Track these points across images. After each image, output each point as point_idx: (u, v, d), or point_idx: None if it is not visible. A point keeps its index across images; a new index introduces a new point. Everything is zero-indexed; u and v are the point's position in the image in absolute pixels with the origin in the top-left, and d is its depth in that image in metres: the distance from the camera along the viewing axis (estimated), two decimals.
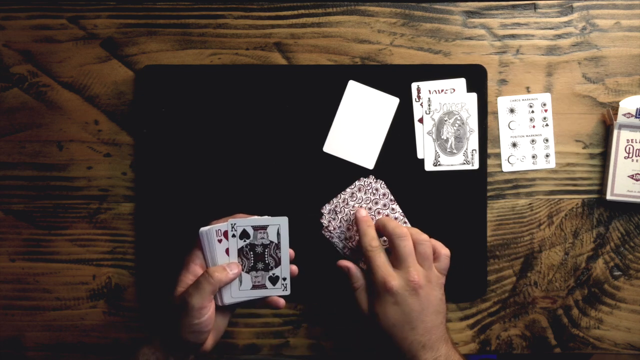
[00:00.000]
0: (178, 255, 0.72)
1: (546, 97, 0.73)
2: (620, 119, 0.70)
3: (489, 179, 0.73)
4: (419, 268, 0.62)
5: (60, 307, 0.74)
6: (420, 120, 0.73)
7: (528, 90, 0.74)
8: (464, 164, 0.72)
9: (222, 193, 0.72)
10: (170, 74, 0.72)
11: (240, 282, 0.62)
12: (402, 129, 0.73)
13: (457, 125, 0.73)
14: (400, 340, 0.61)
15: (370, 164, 0.72)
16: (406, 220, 0.72)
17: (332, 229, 0.72)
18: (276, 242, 0.63)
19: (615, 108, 0.71)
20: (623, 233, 0.73)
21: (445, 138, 0.72)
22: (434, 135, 0.73)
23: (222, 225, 0.62)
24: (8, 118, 0.74)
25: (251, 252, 0.62)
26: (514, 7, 0.74)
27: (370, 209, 0.72)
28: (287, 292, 0.63)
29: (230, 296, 0.61)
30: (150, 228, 0.72)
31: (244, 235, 0.62)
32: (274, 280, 0.63)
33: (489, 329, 0.74)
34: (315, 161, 0.72)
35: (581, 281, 0.74)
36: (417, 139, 0.73)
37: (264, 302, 0.63)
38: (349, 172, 0.72)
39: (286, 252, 0.63)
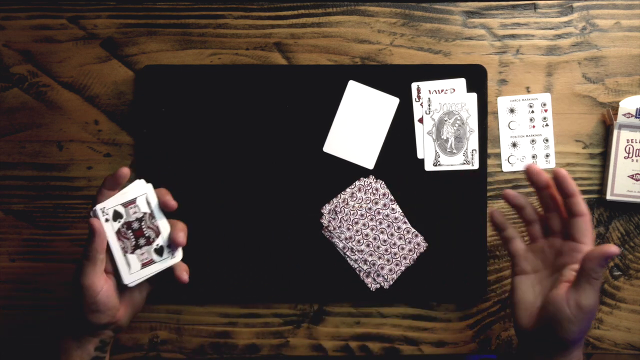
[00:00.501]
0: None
1: (546, 97, 0.73)
2: (620, 119, 0.70)
3: (489, 179, 0.73)
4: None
5: (60, 307, 0.74)
6: (420, 120, 0.73)
7: (528, 90, 0.74)
8: (464, 164, 0.72)
9: (222, 193, 0.72)
10: (170, 74, 0.72)
11: (129, 265, 0.59)
12: (402, 129, 0.73)
13: (457, 125, 0.73)
14: (584, 330, 0.55)
15: (370, 164, 0.72)
16: (406, 221, 0.72)
17: (332, 229, 0.72)
18: (149, 211, 0.59)
19: (615, 108, 0.71)
20: (623, 233, 0.73)
21: (445, 138, 0.73)
22: (434, 135, 0.73)
23: (105, 202, 0.59)
24: (8, 118, 0.74)
25: (129, 231, 0.59)
26: (514, 7, 0.74)
27: (370, 209, 0.72)
28: (177, 259, 0.60)
29: (127, 279, 0.59)
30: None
31: (117, 216, 0.58)
32: (159, 251, 0.60)
33: (489, 329, 0.74)
34: (315, 161, 0.72)
35: None
36: (417, 139, 0.73)
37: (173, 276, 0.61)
38: (349, 172, 0.72)
39: (162, 217, 0.60)
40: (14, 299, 0.74)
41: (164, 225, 0.60)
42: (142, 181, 0.59)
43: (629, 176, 0.71)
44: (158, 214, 0.60)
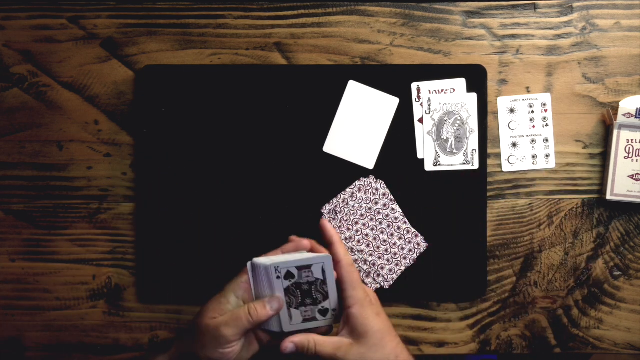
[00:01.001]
0: (178, 255, 0.73)
1: (546, 97, 0.73)
2: (620, 119, 0.70)
3: (489, 179, 0.73)
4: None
5: (60, 307, 0.74)
6: (420, 120, 0.73)
7: (528, 90, 0.74)
8: (464, 164, 0.72)
9: (222, 193, 0.72)
10: (170, 74, 0.72)
11: (290, 317, 0.62)
12: (402, 129, 0.73)
13: (457, 125, 0.73)
14: (389, 349, 0.60)
15: (370, 164, 0.72)
16: (406, 221, 0.72)
17: None
18: (322, 278, 0.62)
19: (615, 108, 0.71)
20: (623, 233, 0.73)
21: (445, 138, 0.72)
22: (434, 135, 0.73)
23: (280, 261, 0.61)
24: (8, 118, 0.74)
25: (298, 290, 0.62)
26: (514, 7, 0.74)
27: (370, 209, 0.72)
28: (338, 321, 0.63)
29: (286, 327, 0.62)
30: (150, 228, 0.72)
31: (289, 276, 0.61)
32: (323, 312, 0.63)
33: (489, 329, 0.74)
34: (315, 161, 0.72)
35: (581, 281, 0.74)
36: (417, 139, 0.73)
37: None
38: (349, 172, 0.72)
39: (333, 286, 0.62)
40: (14, 299, 0.74)
41: (333, 293, 0.63)
42: (329, 256, 0.62)
43: (629, 176, 0.71)
44: (331, 283, 0.62)
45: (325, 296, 0.62)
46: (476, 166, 0.72)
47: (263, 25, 0.74)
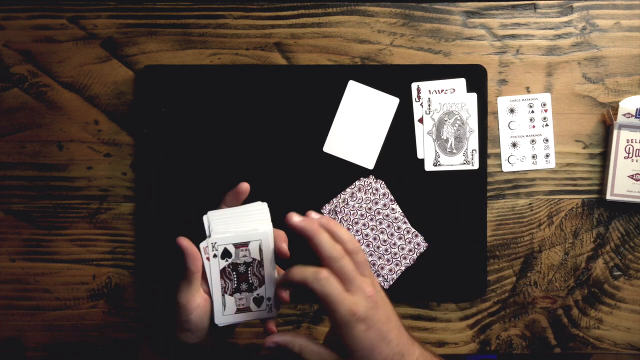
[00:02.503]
0: (178, 255, 0.72)
1: (546, 97, 0.73)
2: (620, 119, 0.70)
3: (489, 179, 0.73)
4: (365, 279, 0.53)
5: (60, 307, 0.74)
6: (420, 120, 0.73)
7: (528, 90, 0.74)
8: (464, 164, 0.72)
9: (222, 193, 0.72)
10: (170, 74, 0.72)
11: (224, 305, 0.57)
12: (402, 129, 0.73)
13: (457, 125, 0.73)
14: None
15: (370, 164, 0.72)
16: (406, 221, 0.72)
17: None
18: (259, 259, 0.57)
19: (615, 108, 0.71)
20: (623, 233, 0.73)
21: (445, 138, 0.73)
22: (434, 135, 0.73)
23: (219, 236, 0.58)
24: (8, 118, 0.74)
25: (234, 272, 0.57)
26: (514, 7, 0.74)
27: (370, 209, 0.72)
28: (273, 314, 0.58)
29: (219, 319, 0.57)
30: (150, 228, 0.72)
31: (226, 254, 0.57)
32: (258, 301, 0.57)
33: (489, 329, 0.74)
34: (315, 161, 0.72)
35: (581, 281, 0.74)
36: (417, 139, 0.73)
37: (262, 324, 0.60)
38: (349, 172, 0.72)
39: (270, 269, 0.57)
40: (14, 299, 0.74)
41: (269, 277, 0.58)
42: (267, 232, 0.57)
43: (629, 176, 0.71)
44: (268, 265, 0.57)
45: (262, 281, 0.57)
46: (476, 166, 0.72)
47: (263, 25, 0.74)
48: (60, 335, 0.74)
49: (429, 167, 0.72)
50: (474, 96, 0.72)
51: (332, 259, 0.52)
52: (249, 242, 0.57)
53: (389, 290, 0.72)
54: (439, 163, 0.72)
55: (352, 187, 0.72)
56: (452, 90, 0.72)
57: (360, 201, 0.72)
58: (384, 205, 0.72)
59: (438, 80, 0.72)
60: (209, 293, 0.58)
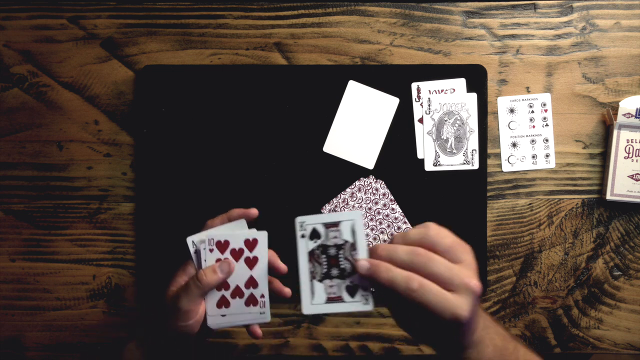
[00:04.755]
0: (178, 255, 0.72)
1: (546, 97, 0.73)
2: (620, 119, 0.70)
3: (489, 179, 0.73)
4: (464, 271, 0.48)
5: (60, 307, 0.74)
6: (420, 120, 0.73)
7: (528, 90, 0.74)
8: (464, 164, 0.72)
9: (222, 193, 0.72)
10: (170, 74, 0.72)
11: (313, 293, 0.51)
12: (402, 129, 0.73)
13: (457, 125, 0.73)
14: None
15: (370, 164, 0.72)
16: (406, 221, 0.72)
17: None
18: (351, 241, 0.51)
19: (615, 108, 0.71)
20: (623, 233, 0.73)
21: (445, 138, 0.72)
22: (434, 135, 0.73)
23: (214, 232, 0.58)
24: (8, 118, 0.74)
25: (324, 256, 0.51)
26: (514, 7, 0.74)
27: (370, 209, 0.72)
28: (370, 307, 0.51)
29: (307, 309, 0.52)
30: (150, 228, 0.72)
31: (315, 235, 0.52)
32: (351, 290, 0.51)
33: None
34: (315, 161, 0.72)
35: (581, 281, 0.74)
36: (417, 139, 0.73)
37: (248, 329, 0.59)
38: (349, 172, 0.72)
39: (364, 254, 0.51)
40: (14, 299, 0.74)
41: (264, 283, 0.56)
42: (360, 212, 0.53)
43: (629, 176, 0.71)
44: (361, 248, 0.51)
45: (355, 264, 0.50)
46: (476, 166, 0.72)
47: (263, 25, 0.74)
48: (60, 335, 0.74)
49: (429, 167, 0.72)
50: (474, 96, 0.72)
51: (421, 265, 0.48)
52: (340, 221, 0.51)
53: None
54: (439, 163, 0.72)
55: (352, 187, 0.72)
56: (452, 90, 0.72)
57: (360, 201, 0.72)
58: (384, 205, 0.72)
59: (438, 80, 0.72)
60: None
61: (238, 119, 0.72)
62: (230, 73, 0.72)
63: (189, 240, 0.59)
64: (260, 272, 0.58)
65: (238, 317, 0.58)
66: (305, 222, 0.52)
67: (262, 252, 0.58)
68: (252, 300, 0.58)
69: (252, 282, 0.59)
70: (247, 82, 0.72)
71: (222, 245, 0.58)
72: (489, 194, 0.73)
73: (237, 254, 0.58)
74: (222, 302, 0.58)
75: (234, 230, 0.60)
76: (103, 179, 0.74)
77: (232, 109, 0.72)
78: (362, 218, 0.52)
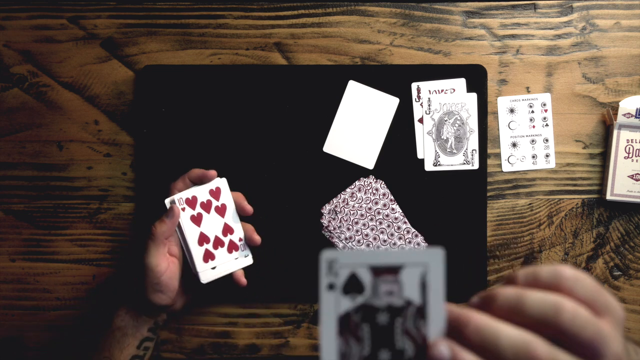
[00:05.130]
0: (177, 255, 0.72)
1: (546, 97, 0.73)
2: (620, 119, 0.70)
3: (489, 179, 0.73)
4: (599, 288, 0.33)
5: (60, 307, 0.74)
6: (420, 120, 0.73)
7: (528, 90, 0.74)
8: (464, 164, 0.72)
9: None
10: (170, 74, 0.72)
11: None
12: (402, 129, 0.73)
13: (457, 125, 0.73)
14: None
15: (370, 164, 0.72)
16: (406, 221, 0.72)
17: (332, 229, 0.72)
18: (419, 302, 0.32)
19: (615, 108, 0.71)
20: (623, 233, 0.73)
21: (445, 138, 0.72)
22: (434, 135, 0.73)
23: (186, 192, 0.64)
24: (8, 118, 0.74)
25: (367, 325, 0.32)
26: (514, 7, 0.74)
27: (370, 209, 0.72)
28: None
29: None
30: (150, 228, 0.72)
31: (353, 286, 0.32)
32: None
33: None
34: (315, 161, 0.72)
35: None
36: (417, 139, 0.73)
37: None
38: (349, 172, 0.72)
39: (440, 324, 0.31)
40: (14, 299, 0.74)
41: (237, 226, 0.61)
42: (440, 252, 0.32)
43: (629, 176, 0.71)
44: (437, 316, 0.32)
45: (421, 347, 0.31)
46: (476, 166, 0.72)
47: (263, 25, 0.74)
48: (60, 335, 0.74)
49: (429, 167, 0.72)
50: (474, 96, 0.72)
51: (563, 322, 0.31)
52: (403, 265, 0.32)
53: None
54: (439, 163, 0.72)
55: (352, 187, 0.72)
56: (452, 90, 0.72)
57: (360, 201, 0.72)
58: (384, 205, 0.72)
59: (438, 80, 0.72)
60: (175, 255, 0.63)
61: (238, 119, 0.72)
62: (230, 73, 0.72)
63: (167, 201, 0.64)
64: (230, 216, 0.63)
65: (225, 265, 0.63)
66: (339, 261, 0.31)
67: (227, 197, 0.63)
68: (233, 246, 0.63)
69: (227, 229, 0.64)
70: (247, 82, 0.72)
71: (191, 202, 0.63)
72: (489, 194, 0.73)
73: (206, 206, 0.63)
74: (208, 256, 0.63)
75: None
76: (103, 179, 0.74)
77: (232, 109, 0.72)
78: (443, 261, 0.32)
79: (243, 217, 0.68)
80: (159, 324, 0.67)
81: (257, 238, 0.67)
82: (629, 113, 0.70)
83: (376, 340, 0.32)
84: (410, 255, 0.32)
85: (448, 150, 0.72)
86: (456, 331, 0.31)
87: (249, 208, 0.66)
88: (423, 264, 0.32)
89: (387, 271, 0.32)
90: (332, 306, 0.31)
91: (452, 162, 0.72)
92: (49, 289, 0.74)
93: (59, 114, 0.74)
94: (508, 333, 0.30)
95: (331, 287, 0.32)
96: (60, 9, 0.74)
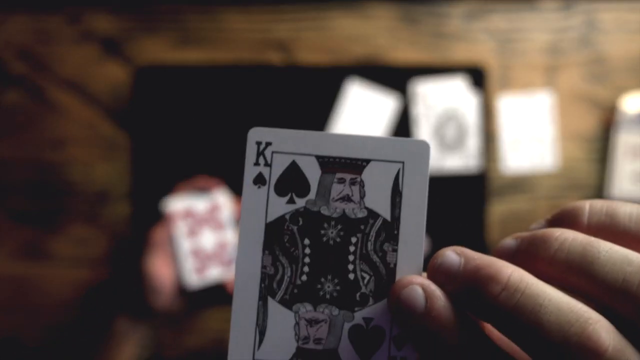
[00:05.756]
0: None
1: (546, 97, 0.73)
2: (622, 119, 0.70)
3: (490, 180, 0.73)
4: None
5: (60, 307, 0.74)
6: (420, 121, 0.73)
7: (528, 90, 0.73)
8: (464, 164, 0.72)
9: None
10: (170, 74, 0.72)
11: (260, 329, 0.23)
12: (401, 129, 0.72)
13: (457, 125, 0.72)
14: None
15: None
16: None
17: None
18: (389, 216, 0.23)
19: (615, 108, 0.71)
20: None
21: (445, 138, 0.72)
22: (433, 136, 0.72)
23: (185, 201, 0.65)
24: (8, 118, 0.74)
25: (308, 241, 0.23)
26: (514, 7, 0.74)
27: None
28: None
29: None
30: (150, 228, 0.72)
31: (295, 184, 0.23)
32: (368, 339, 0.22)
33: None
34: None
35: None
36: None
37: None
38: None
39: (417, 257, 0.23)
40: (13, 299, 0.74)
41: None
42: (425, 143, 0.23)
43: (630, 176, 0.71)
44: (414, 240, 0.22)
45: (384, 278, 0.23)
46: (476, 167, 0.72)
47: (263, 25, 0.74)
48: (59, 336, 0.74)
49: None
50: (474, 96, 0.72)
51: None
52: (369, 161, 0.23)
53: None
54: (439, 164, 0.72)
55: None
56: (452, 91, 0.72)
57: None
58: None
59: (438, 80, 0.72)
60: (172, 259, 0.65)
61: (238, 119, 0.72)
62: (230, 73, 0.72)
63: (165, 206, 0.67)
64: (229, 229, 0.66)
65: (220, 274, 0.66)
66: (274, 144, 0.23)
67: (227, 209, 0.67)
68: (227, 258, 0.66)
69: (223, 243, 0.67)
70: (247, 82, 0.72)
71: (189, 212, 0.66)
72: (489, 195, 0.73)
73: (204, 219, 0.66)
74: (200, 267, 0.66)
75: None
76: (103, 179, 0.74)
77: (232, 109, 0.72)
78: (427, 158, 0.23)
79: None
80: (158, 327, 0.67)
81: None
82: (630, 113, 0.70)
83: (318, 263, 0.22)
84: (381, 146, 0.22)
85: (448, 150, 0.72)
86: (459, 281, 0.21)
87: None
88: (398, 159, 0.22)
89: (344, 166, 0.22)
90: (259, 208, 0.22)
91: (452, 163, 0.72)
92: (48, 290, 0.74)
93: (59, 114, 0.74)
94: (558, 300, 0.20)
95: (260, 181, 0.23)
96: (60, 9, 0.74)
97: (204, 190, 0.66)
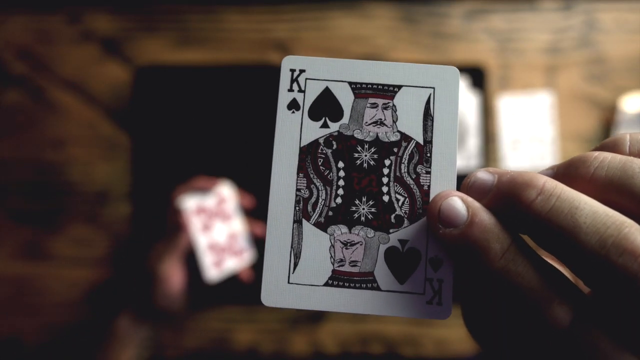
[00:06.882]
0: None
1: (546, 97, 0.73)
2: (622, 118, 0.70)
3: None
4: None
5: (60, 307, 0.74)
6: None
7: (528, 90, 0.74)
8: (465, 164, 0.72)
9: None
10: (170, 74, 0.72)
11: (295, 254, 0.23)
12: None
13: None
14: None
15: None
16: None
17: None
18: (421, 139, 0.23)
19: (615, 108, 0.71)
20: None
21: None
22: None
23: (193, 201, 0.65)
24: (8, 118, 0.74)
25: (342, 165, 0.23)
26: (514, 7, 0.74)
27: None
28: (446, 313, 0.23)
29: (265, 299, 0.27)
30: (150, 228, 0.72)
31: (328, 109, 0.24)
32: (406, 262, 0.22)
33: None
34: None
35: None
36: None
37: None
38: None
39: (450, 176, 0.23)
40: (13, 299, 0.74)
41: (242, 226, 0.64)
42: (454, 69, 0.23)
43: None
44: (447, 163, 0.22)
45: (420, 198, 0.23)
46: (477, 167, 0.72)
47: (263, 25, 0.74)
48: (60, 335, 0.74)
49: None
50: (474, 96, 0.72)
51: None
52: (400, 87, 0.24)
53: None
54: None
55: None
56: None
57: None
58: None
59: None
60: (183, 262, 0.65)
61: (238, 119, 0.72)
62: (230, 73, 0.72)
63: (178, 209, 0.66)
64: (235, 220, 0.66)
65: (233, 266, 0.67)
66: (307, 71, 0.23)
67: (231, 202, 0.66)
68: (240, 248, 0.67)
69: (233, 233, 0.67)
70: (247, 82, 0.72)
71: (199, 210, 0.66)
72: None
73: (213, 214, 0.66)
74: (217, 261, 0.66)
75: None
76: (103, 179, 0.74)
77: (232, 109, 0.72)
78: (457, 83, 0.23)
79: (245, 212, 0.68)
80: (160, 327, 0.67)
81: (260, 231, 0.68)
82: (630, 113, 0.70)
83: (352, 185, 0.22)
84: (412, 73, 0.23)
85: None
86: (494, 194, 0.21)
87: (249, 202, 0.68)
88: (429, 85, 0.23)
89: (376, 92, 0.23)
90: (293, 132, 0.24)
91: None
92: (48, 290, 0.74)
93: (59, 114, 0.74)
94: (593, 203, 0.20)
95: (293, 106, 0.24)
96: (60, 9, 0.74)
97: (204, 190, 0.66)
